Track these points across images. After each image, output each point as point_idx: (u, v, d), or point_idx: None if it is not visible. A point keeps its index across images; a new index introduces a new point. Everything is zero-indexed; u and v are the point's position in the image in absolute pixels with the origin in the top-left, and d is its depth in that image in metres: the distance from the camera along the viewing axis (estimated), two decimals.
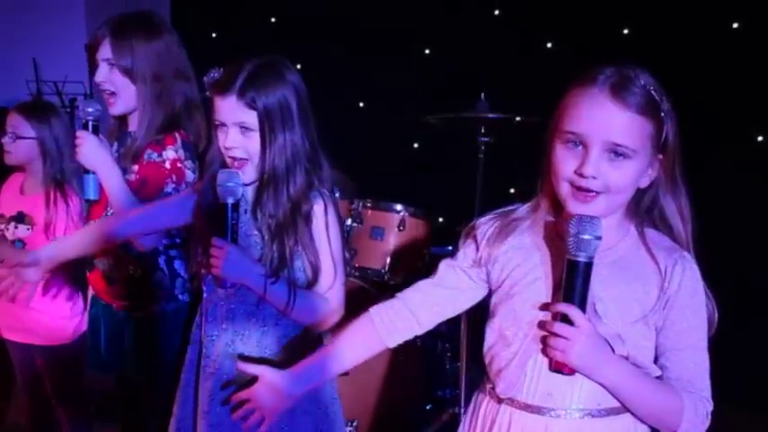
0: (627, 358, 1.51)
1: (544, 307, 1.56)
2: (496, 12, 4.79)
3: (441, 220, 3.65)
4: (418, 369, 3.58)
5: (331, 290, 1.99)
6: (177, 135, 2.31)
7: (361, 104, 5.33)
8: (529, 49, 4.61)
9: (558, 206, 1.60)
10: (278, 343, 2.01)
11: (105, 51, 2.32)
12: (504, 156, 3.34)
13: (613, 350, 1.50)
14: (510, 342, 1.61)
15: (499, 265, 1.66)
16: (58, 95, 5.45)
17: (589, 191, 1.49)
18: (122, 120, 2.47)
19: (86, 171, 2.30)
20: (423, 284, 1.78)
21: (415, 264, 3.57)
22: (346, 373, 3.33)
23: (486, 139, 3.25)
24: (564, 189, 1.53)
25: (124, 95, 2.34)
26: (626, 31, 4.34)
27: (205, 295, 2.09)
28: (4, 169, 3.11)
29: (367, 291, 3.47)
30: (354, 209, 3.54)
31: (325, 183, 2.02)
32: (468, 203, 3.42)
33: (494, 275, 1.68)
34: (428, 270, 3.52)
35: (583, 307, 1.45)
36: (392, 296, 1.79)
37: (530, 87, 3.79)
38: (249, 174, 1.97)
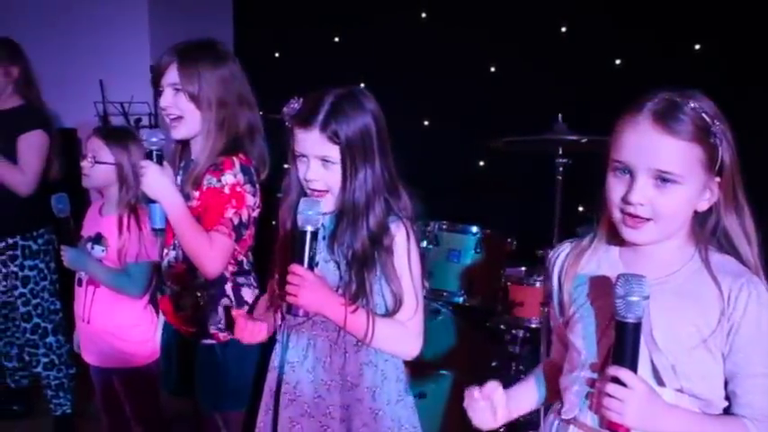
0: (681, 390, 1.51)
1: (595, 368, 1.58)
2: (563, 29, 4.76)
3: (512, 240, 3.61)
4: None
5: (412, 318, 1.99)
6: (235, 159, 2.33)
7: (426, 123, 5.31)
8: (595, 67, 4.56)
9: (618, 234, 1.60)
10: (359, 370, 2.01)
11: (172, 77, 2.35)
12: (580, 176, 3.31)
13: (665, 383, 1.50)
14: (574, 367, 1.64)
15: (569, 297, 1.69)
16: (124, 116, 5.52)
17: (637, 217, 1.50)
18: (184, 145, 2.50)
19: (151, 200, 2.33)
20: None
21: (491, 286, 3.55)
22: (424, 396, 3.32)
23: (564, 160, 3.23)
24: (616, 216, 1.55)
25: (189, 121, 2.38)
26: (697, 47, 4.28)
27: (281, 321, 2.09)
28: (79, 190, 3.17)
29: (443, 314, 3.46)
30: (431, 231, 3.53)
31: (406, 211, 2.02)
32: (544, 224, 3.40)
33: (565, 307, 1.71)
34: (504, 292, 3.55)
35: (634, 366, 1.45)
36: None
37: (597, 105, 3.77)
38: (328, 204, 1.98)
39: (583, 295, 1.66)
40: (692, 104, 1.49)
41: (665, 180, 1.48)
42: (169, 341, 2.62)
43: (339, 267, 1.97)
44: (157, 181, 2.29)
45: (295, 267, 1.88)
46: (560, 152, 3.24)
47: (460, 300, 3.48)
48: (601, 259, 1.67)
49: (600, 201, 1.61)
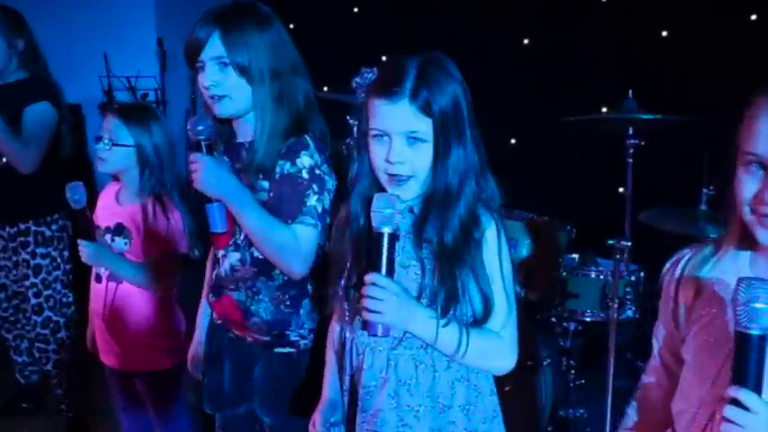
0: None
1: (715, 390, 1.41)
2: None
3: (571, 228, 3.37)
4: (543, 388, 3.33)
5: (504, 327, 1.71)
6: (308, 138, 2.03)
7: None
8: (639, 39, 4.31)
9: (750, 237, 1.41)
10: (451, 389, 1.73)
11: (215, 49, 1.99)
12: (650, 158, 3.12)
13: None
14: (691, 388, 1.49)
15: (686, 311, 1.52)
16: (131, 91, 5.31)
17: None
18: (224, 124, 2.16)
19: (208, 200, 2.01)
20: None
21: (551, 275, 3.30)
22: None
23: (635, 141, 2.98)
24: (747, 215, 1.38)
25: (237, 98, 2.03)
26: (754, 17, 4.02)
27: (348, 335, 1.81)
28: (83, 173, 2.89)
29: None
30: None
31: (494, 201, 1.74)
32: (606, 210, 3.19)
33: (681, 321, 1.55)
34: (563, 284, 3.31)
35: (759, 386, 1.25)
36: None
37: (641, 79, 3.53)
38: (410, 191, 1.68)
39: (703, 309, 1.49)
40: None
41: None
42: (218, 350, 2.29)
43: (423, 271, 1.69)
44: (215, 176, 1.97)
45: (375, 277, 1.58)
46: (631, 132, 2.97)
47: (520, 294, 3.21)
48: (726, 268, 1.47)
49: (728, 199, 1.42)
